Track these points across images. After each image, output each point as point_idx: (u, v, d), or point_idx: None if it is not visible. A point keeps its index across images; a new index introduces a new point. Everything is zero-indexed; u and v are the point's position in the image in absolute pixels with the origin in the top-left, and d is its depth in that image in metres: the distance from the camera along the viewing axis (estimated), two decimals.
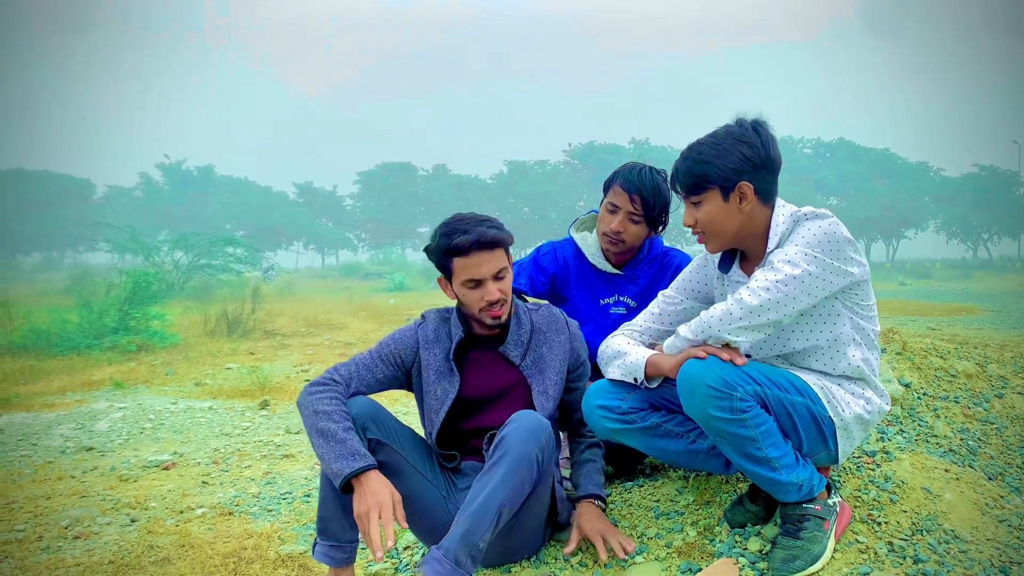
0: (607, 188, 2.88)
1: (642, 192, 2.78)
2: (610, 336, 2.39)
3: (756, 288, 2.03)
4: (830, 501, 2.20)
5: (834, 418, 2.14)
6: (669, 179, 2.31)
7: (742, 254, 2.32)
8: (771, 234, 2.18)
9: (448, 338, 2.45)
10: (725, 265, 2.33)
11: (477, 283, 2.32)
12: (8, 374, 7.93)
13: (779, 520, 2.26)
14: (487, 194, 59.38)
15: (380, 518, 1.99)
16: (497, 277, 2.33)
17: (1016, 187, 54.96)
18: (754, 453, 2.06)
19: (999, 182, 54.37)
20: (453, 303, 2.49)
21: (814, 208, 2.17)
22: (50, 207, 57.80)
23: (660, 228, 2.90)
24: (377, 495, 2.01)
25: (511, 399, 2.42)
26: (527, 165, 59.92)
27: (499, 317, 2.36)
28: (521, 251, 56.50)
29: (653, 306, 2.44)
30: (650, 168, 2.85)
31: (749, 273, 2.28)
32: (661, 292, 2.46)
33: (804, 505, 2.16)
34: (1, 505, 3.75)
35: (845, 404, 2.17)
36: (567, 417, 2.59)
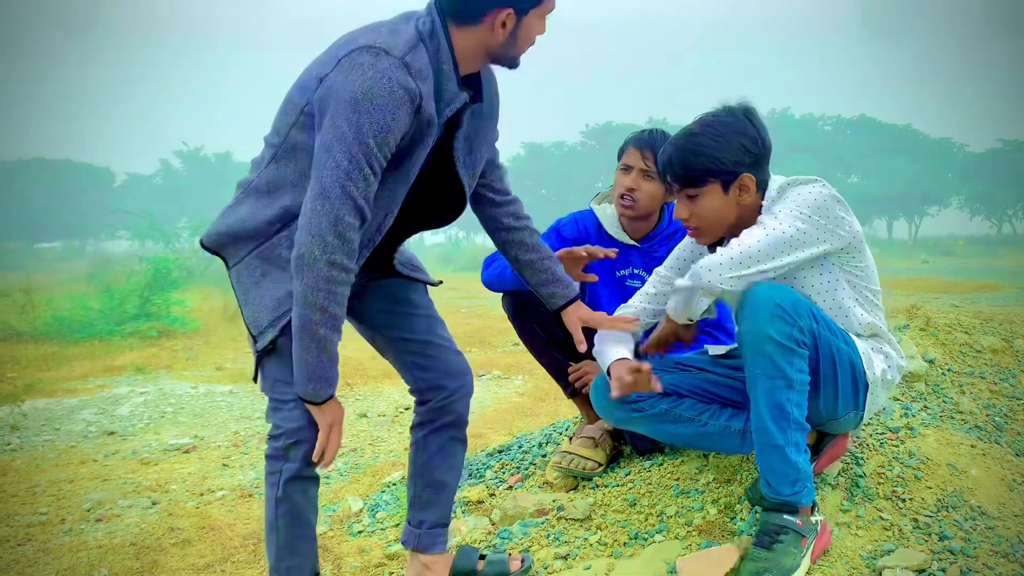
0: (620, 154, 2.86)
1: (653, 147, 2.74)
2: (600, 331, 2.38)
3: (745, 239, 2.00)
4: (813, 519, 2.06)
5: (868, 373, 2.10)
6: (660, 169, 2.20)
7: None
8: (763, 209, 2.13)
9: None
10: (713, 247, 2.30)
11: None
12: (31, 360, 8.01)
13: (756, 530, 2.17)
14: None
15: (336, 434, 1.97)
16: None
17: None
18: (783, 402, 1.98)
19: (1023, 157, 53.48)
20: None
21: (797, 177, 2.13)
22: (71, 196, 58.31)
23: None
24: (338, 413, 1.96)
25: None
26: (544, 147, 59.64)
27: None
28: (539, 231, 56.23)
29: (648, 285, 2.43)
30: (662, 131, 2.82)
31: None
32: (655, 270, 2.44)
33: (785, 516, 2.03)
34: (25, 489, 3.79)
35: (876, 362, 2.13)
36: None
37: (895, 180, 52.76)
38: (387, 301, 2.22)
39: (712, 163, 2.08)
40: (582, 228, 2.98)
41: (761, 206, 2.15)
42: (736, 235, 2.14)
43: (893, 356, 2.20)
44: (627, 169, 2.81)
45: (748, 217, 2.15)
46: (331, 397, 1.91)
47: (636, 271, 2.92)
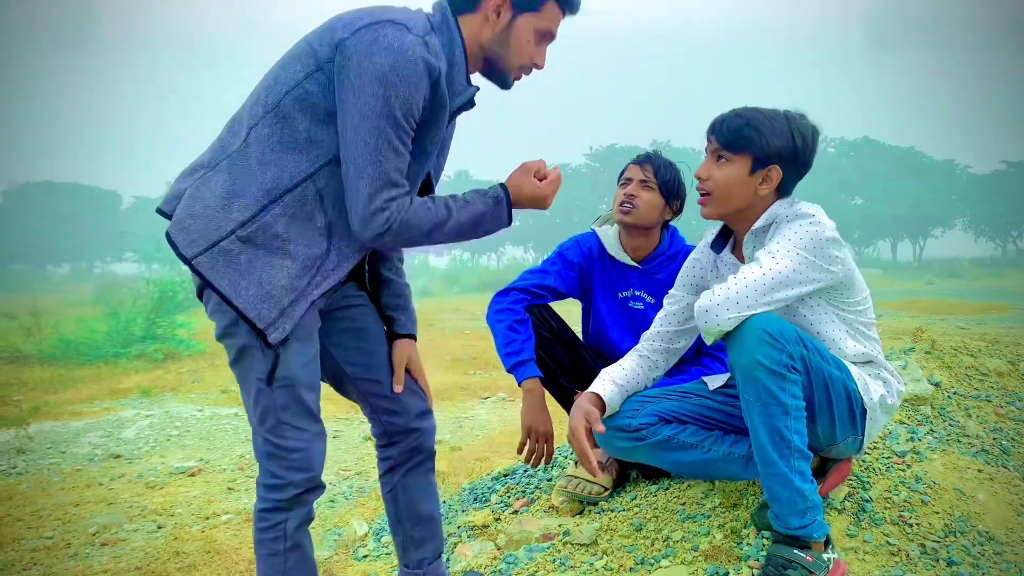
0: (620, 177, 2.91)
1: (651, 159, 2.85)
2: (623, 359, 2.41)
3: (742, 278, 2.01)
4: (825, 556, 2.01)
5: (864, 398, 2.10)
6: (709, 128, 2.22)
7: (735, 241, 2.30)
8: (760, 219, 2.16)
9: None
10: (718, 245, 2.32)
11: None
12: (38, 383, 8.03)
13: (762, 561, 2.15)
14: None
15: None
16: None
17: None
18: (780, 429, 1.98)
19: None
20: None
21: (801, 205, 2.15)
22: (78, 218, 58.67)
23: (675, 205, 2.87)
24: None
25: None
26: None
27: None
28: (545, 255, 56.49)
29: (662, 310, 2.45)
30: (658, 152, 2.93)
31: (740, 257, 2.28)
32: (669, 292, 2.47)
33: (794, 551, 1.99)
34: (30, 512, 3.79)
35: (872, 387, 2.13)
36: None
37: (899, 202, 52.84)
38: (354, 332, 2.07)
39: (757, 137, 2.11)
40: (585, 250, 3.00)
41: (768, 205, 2.17)
42: (736, 223, 2.22)
43: (891, 381, 2.20)
44: (626, 182, 2.86)
45: (755, 212, 2.18)
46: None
47: (637, 292, 2.93)
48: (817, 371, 2.04)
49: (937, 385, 3.06)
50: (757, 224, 2.16)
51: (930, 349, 3.33)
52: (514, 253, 57.83)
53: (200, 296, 1.84)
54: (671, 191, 2.83)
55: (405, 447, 2.15)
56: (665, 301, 2.44)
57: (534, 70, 1.98)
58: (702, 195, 2.21)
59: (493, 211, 1.88)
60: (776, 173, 2.14)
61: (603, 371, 2.35)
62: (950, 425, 2.84)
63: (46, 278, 49.79)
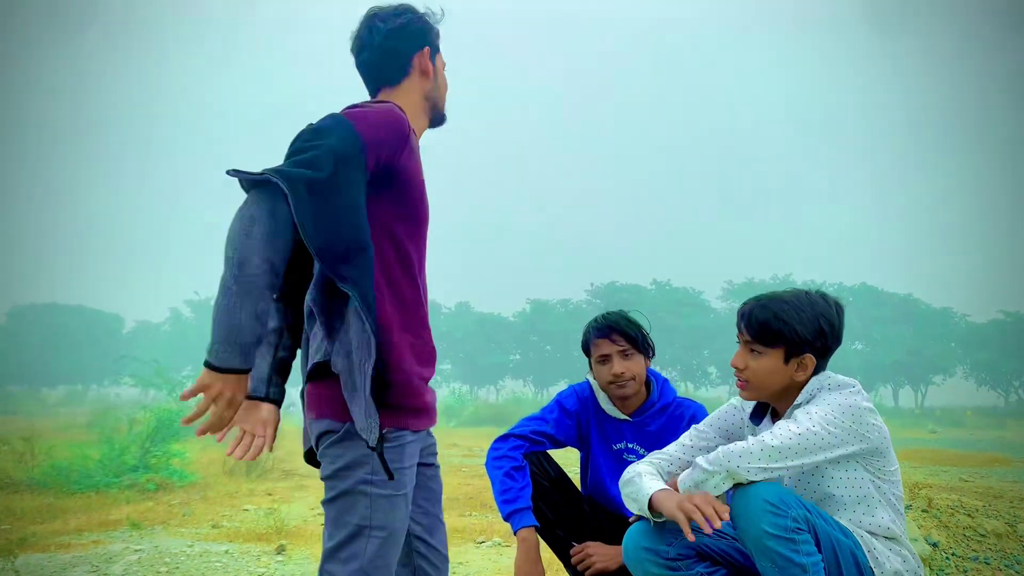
0: (587, 349, 3.00)
1: (618, 325, 2.92)
2: (637, 462, 2.41)
3: (778, 433, 2.09)
4: None
5: (875, 569, 2.11)
6: (738, 317, 2.35)
7: (773, 410, 2.38)
8: (800, 395, 2.26)
9: None
10: (756, 418, 2.40)
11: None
12: (27, 512, 7.89)
13: None
14: (510, 332, 59.70)
15: None
16: None
17: None
18: None
19: None
20: None
21: (838, 377, 2.25)
22: (79, 341, 58.78)
23: (651, 354, 2.97)
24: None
25: None
26: (549, 304, 60.49)
27: None
28: (545, 389, 56.21)
29: (684, 437, 2.49)
30: (616, 312, 3.00)
31: None
32: (694, 426, 2.52)
33: None
34: None
35: (885, 557, 2.15)
36: None
37: (898, 348, 53.01)
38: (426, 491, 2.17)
39: (788, 331, 2.22)
40: (583, 400, 3.07)
41: (804, 385, 2.26)
42: (777, 401, 2.29)
43: (911, 561, 2.23)
44: (605, 359, 2.92)
45: (794, 392, 2.27)
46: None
47: (631, 445, 2.99)
48: (824, 535, 2.08)
49: (935, 546, 3.06)
50: (799, 400, 2.26)
51: (927, 507, 3.34)
52: (513, 387, 57.58)
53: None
54: (647, 347, 2.95)
55: None
56: (692, 432, 2.48)
57: None
58: (740, 381, 2.31)
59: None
60: (810, 360, 2.25)
61: (646, 471, 2.33)
62: None
63: (42, 400, 49.38)
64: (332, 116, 1.88)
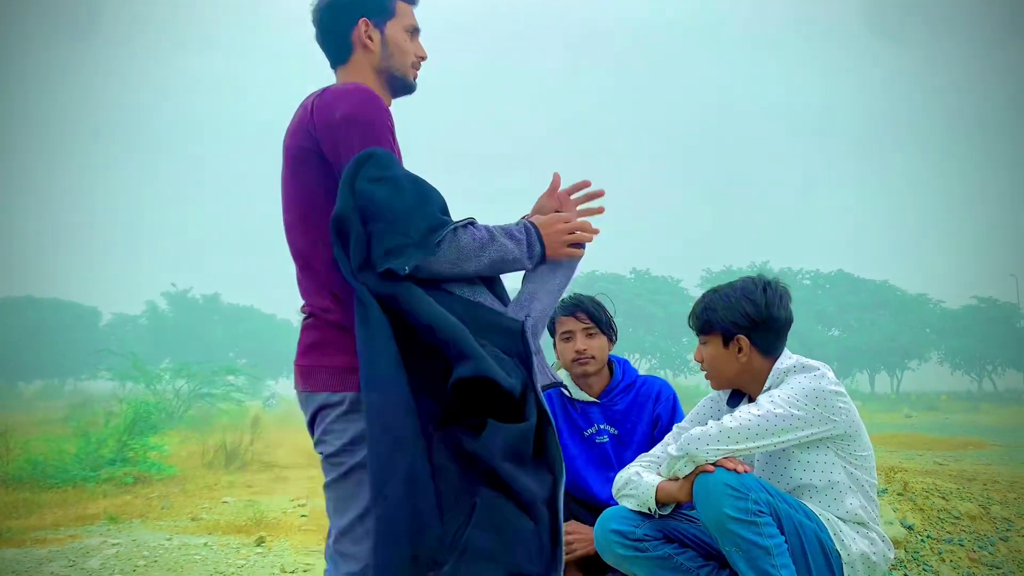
0: (552, 328, 3.01)
1: (582, 305, 2.96)
2: (625, 468, 2.47)
3: (737, 416, 2.15)
4: None
5: (840, 551, 2.14)
6: (689, 316, 2.49)
7: (750, 397, 2.42)
8: (768, 379, 2.31)
9: None
10: (733, 401, 2.45)
11: None
12: (2, 507, 7.81)
13: None
14: None
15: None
16: None
17: (1016, 319, 55.20)
18: (768, 570, 2.03)
19: (1000, 314, 54.64)
20: None
21: (807, 360, 2.29)
22: (55, 334, 58.08)
23: (614, 336, 3.01)
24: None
25: None
26: None
27: None
28: None
29: (669, 437, 2.53)
30: (582, 295, 3.03)
31: None
32: (676, 425, 2.58)
33: None
34: None
35: (851, 540, 2.18)
36: None
37: (875, 334, 53.54)
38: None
39: (716, 318, 2.37)
40: (547, 398, 3.06)
41: (767, 370, 2.31)
42: (746, 387, 2.38)
43: (879, 544, 2.25)
44: (569, 336, 2.96)
45: (755, 376, 2.34)
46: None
47: (601, 427, 3.00)
48: (787, 517, 2.10)
49: (910, 528, 3.09)
50: (767, 384, 2.30)
51: (902, 491, 3.38)
52: None
53: None
54: (610, 327, 2.98)
55: None
56: (675, 431, 2.53)
57: (421, 62, 2.13)
58: (705, 373, 2.43)
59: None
60: (743, 340, 2.34)
61: (639, 471, 2.40)
62: (924, 570, 2.85)
63: (18, 395, 48.82)
64: (386, 164, 1.84)
